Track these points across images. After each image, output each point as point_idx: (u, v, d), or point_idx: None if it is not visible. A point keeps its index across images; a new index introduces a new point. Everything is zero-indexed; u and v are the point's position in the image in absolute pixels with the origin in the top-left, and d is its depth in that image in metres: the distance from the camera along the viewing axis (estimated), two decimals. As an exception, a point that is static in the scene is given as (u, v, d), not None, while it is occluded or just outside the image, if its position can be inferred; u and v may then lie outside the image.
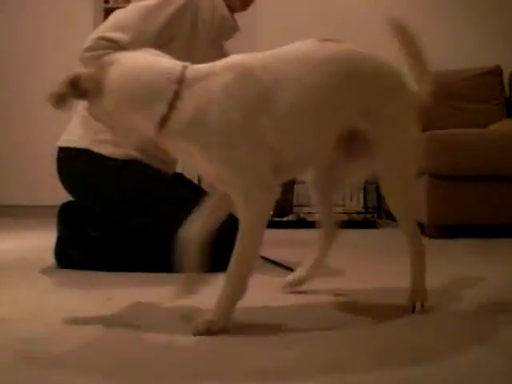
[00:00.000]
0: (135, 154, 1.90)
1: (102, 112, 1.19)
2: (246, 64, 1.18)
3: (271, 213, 1.27)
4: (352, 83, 1.25)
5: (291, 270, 1.74)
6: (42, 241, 2.55)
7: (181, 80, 1.14)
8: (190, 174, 3.78)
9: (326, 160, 1.39)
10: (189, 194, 1.97)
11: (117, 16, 1.87)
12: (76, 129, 1.93)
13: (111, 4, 3.77)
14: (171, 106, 1.13)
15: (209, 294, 1.58)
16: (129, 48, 1.79)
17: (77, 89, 1.15)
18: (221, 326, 1.16)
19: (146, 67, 1.17)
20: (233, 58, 1.21)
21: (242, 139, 1.14)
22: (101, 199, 1.92)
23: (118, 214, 1.92)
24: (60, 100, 1.17)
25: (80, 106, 1.94)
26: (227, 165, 1.16)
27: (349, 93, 1.25)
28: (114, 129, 1.31)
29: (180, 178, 2.14)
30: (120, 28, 1.81)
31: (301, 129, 1.22)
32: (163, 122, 1.14)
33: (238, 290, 1.21)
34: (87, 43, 1.80)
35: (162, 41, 1.85)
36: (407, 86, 1.34)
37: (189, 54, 1.84)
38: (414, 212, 1.43)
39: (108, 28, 1.82)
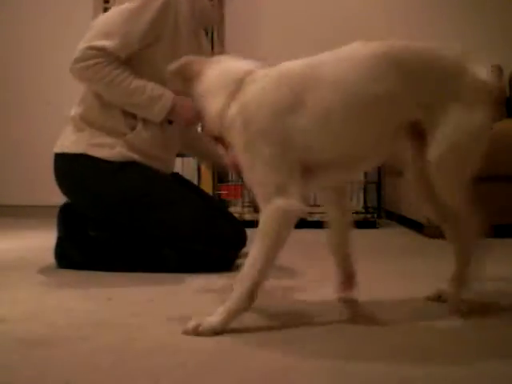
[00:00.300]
0: (133, 156, 1.89)
1: (194, 94, 1.35)
2: (286, 68, 1.26)
3: (292, 223, 1.23)
4: (399, 76, 1.20)
5: None
6: (42, 241, 2.55)
7: (240, 81, 1.25)
8: (190, 174, 3.77)
9: (374, 161, 1.37)
10: (187, 194, 1.98)
11: (100, 22, 1.87)
12: (71, 135, 1.93)
13: (111, 4, 3.76)
14: (227, 101, 1.24)
15: (209, 294, 1.59)
16: (117, 53, 1.81)
17: (187, 69, 1.36)
18: (220, 330, 1.16)
19: (225, 69, 1.32)
20: (283, 64, 1.28)
21: (266, 141, 1.19)
22: (99, 202, 1.91)
23: (117, 217, 1.91)
24: (175, 74, 1.39)
25: (73, 112, 1.95)
26: (248, 165, 1.23)
27: (396, 87, 1.20)
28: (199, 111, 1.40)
29: (178, 178, 2.14)
30: (106, 35, 1.81)
31: (339, 127, 1.21)
32: (222, 112, 1.25)
33: (245, 297, 1.18)
34: (76, 54, 1.82)
35: (148, 41, 1.87)
36: (470, 74, 1.24)
37: (173, 51, 1.85)
38: (468, 209, 1.30)
39: (94, 36, 1.82)
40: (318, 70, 1.23)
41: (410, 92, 1.21)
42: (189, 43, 1.95)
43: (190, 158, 3.80)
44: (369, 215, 3.33)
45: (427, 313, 1.36)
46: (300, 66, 1.26)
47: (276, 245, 1.21)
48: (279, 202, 1.18)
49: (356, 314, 1.35)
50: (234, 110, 1.23)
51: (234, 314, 1.18)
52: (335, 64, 1.24)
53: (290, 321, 1.29)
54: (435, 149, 1.21)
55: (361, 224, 3.25)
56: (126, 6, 1.84)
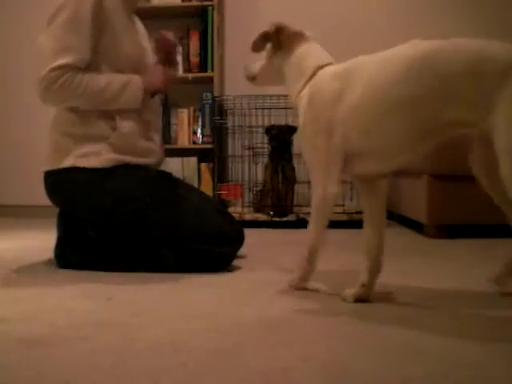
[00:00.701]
0: (121, 158, 1.89)
1: (273, 64, 1.61)
2: (343, 65, 1.45)
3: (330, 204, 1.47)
4: (433, 79, 1.22)
5: None
6: (42, 241, 2.55)
7: (314, 73, 1.50)
8: (190, 174, 3.78)
9: (408, 157, 1.37)
10: (182, 193, 1.97)
11: (49, 44, 1.85)
12: (56, 152, 1.92)
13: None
14: (302, 87, 1.51)
15: (209, 294, 1.59)
16: (79, 64, 1.82)
17: (279, 35, 1.57)
18: (300, 286, 1.54)
19: (307, 57, 1.55)
20: (346, 61, 1.45)
21: (316, 130, 1.43)
22: (94, 210, 1.91)
23: (114, 221, 1.91)
24: (264, 39, 1.59)
25: (53, 136, 1.95)
26: (305, 148, 1.50)
27: (428, 89, 1.23)
28: (270, 84, 1.74)
29: (173, 178, 2.14)
30: (61, 52, 1.82)
31: (368, 122, 1.34)
32: (298, 93, 1.52)
33: (307, 262, 1.52)
34: (43, 83, 1.81)
35: (95, 41, 1.87)
36: None
37: (118, 41, 1.89)
38: None
39: (52, 58, 1.82)
40: (361, 67, 1.38)
41: (446, 93, 1.22)
42: (128, 30, 1.97)
43: (190, 158, 3.81)
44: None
45: (427, 313, 1.36)
46: (352, 62, 1.42)
47: (321, 219, 1.48)
48: (321, 192, 1.44)
49: (355, 314, 1.35)
50: (304, 93, 1.49)
51: (303, 276, 1.53)
52: (376, 63, 1.35)
53: (289, 321, 1.29)
54: (502, 138, 1.16)
55: (361, 224, 3.25)
56: (59, 19, 1.84)
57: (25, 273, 1.91)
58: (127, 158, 1.91)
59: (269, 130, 3.48)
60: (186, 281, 1.72)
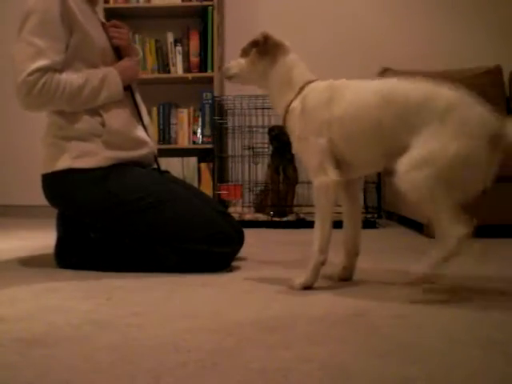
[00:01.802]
0: (116, 155, 1.89)
1: (257, 70, 1.72)
2: (331, 82, 1.63)
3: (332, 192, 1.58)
4: (387, 111, 1.50)
5: None
6: (42, 241, 2.56)
7: (302, 87, 1.65)
8: (190, 174, 3.78)
9: (378, 167, 1.71)
10: (180, 192, 1.96)
11: (22, 49, 1.85)
12: (53, 155, 1.92)
13: (111, 4, 3.76)
14: (292, 99, 1.65)
15: (209, 294, 1.59)
16: (55, 66, 1.82)
17: (265, 43, 1.69)
18: (310, 284, 1.58)
19: (299, 69, 1.70)
20: (332, 80, 1.65)
21: (310, 131, 1.59)
22: (93, 211, 1.92)
23: (113, 223, 1.91)
24: (253, 46, 1.72)
25: (47, 140, 1.95)
26: (301, 149, 1.65)
27: (394, 115, 1.48)
28: (247, 83, 1.81)
29: (172, 178, 2.13)
30: (36, 56, 1.81)
31: (350, 132, 1.55)
32: (287, 106, 1.66)
33: (319, 253, 1.57)
34: (23, 90, 1.82)
35: (67, 40, 1.87)
36: (460, 111, 1.42)
37: (87, 37, 1.89)
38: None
39: (26, 64, 1.81)
40: (346, 87, 1.60)
41: (404, 121, 1.46)
42: (94, 23, 1.97)
43: (190, 158, 3.81)
44: (369, 215, 3.33)
45: (428, 313, 1.36)
46: (338, 81, 1.62)
47: (325, 209, 1.57)
48: (320, 179, 1.57)
49: (355, 314, 1.35)
50: (295, 105, 1.64)
51: (315, 268, 1.57)
52: (358, 87, 1.59)
53: (289, 321, 1.29)
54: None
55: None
56: (29, 24, 1.84)
57: (25, 273, 1.91)
58: (123, 154, 1.91)
59: (270, 131, 3.48)
60: (186, 281, 1.72)
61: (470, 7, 3.80)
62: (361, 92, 1.57)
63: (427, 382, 0.92)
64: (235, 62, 1.78)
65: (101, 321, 1.28)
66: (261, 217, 3.39)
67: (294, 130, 1.64)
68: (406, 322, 1.27)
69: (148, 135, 2.06)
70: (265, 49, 1.70)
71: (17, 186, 4.08)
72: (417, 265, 1.44)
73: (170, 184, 2.00)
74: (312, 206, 3.40)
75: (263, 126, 3.60)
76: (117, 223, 1.91)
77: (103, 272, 1.84)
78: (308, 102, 1.61)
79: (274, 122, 3.61)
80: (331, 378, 0.94)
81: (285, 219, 3.37)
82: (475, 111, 1.42)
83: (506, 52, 3.71)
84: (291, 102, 1.65)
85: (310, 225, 3.55)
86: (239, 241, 1.99)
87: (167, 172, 2.18)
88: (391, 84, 1.56)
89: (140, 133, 2.01)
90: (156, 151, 2.11)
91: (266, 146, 3.59)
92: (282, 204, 3.44)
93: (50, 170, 1.92)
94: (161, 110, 3.82)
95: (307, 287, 1.57)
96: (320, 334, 1.19)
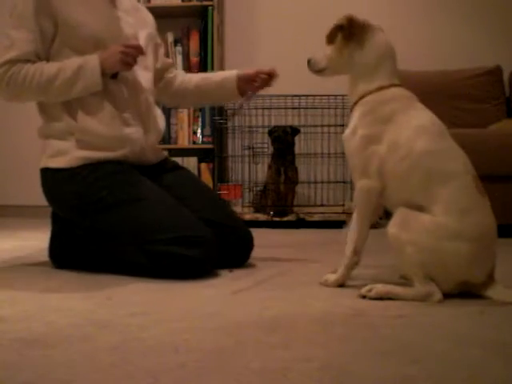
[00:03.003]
0: (90, 155, 1.85)
1: (344, 57, 1.62)
2: (403, 94, 1.60)
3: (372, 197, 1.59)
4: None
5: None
6: (41, 241, 2.55)
7: (388, 86, 1.59)
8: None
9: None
10: (154, 190, 1.86)
11: (0, 45, 1.85)
12: (40, 153, 1.94)
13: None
14: (371, 93, 1.59)
15: (209, 294, 1.59)
16: (24, 57, 1.80)
17: (350, 26, 1.60)
18: (342, 282, 1.62)
19: (389, 62, 1.62)
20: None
21: (373, 135, 1.55)
22: (64, 209, 1.93)
23: (82, 220, 1.89)
24: (337, 31, 1.62)
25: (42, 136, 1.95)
26: (350, 151, 1.61)
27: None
28: (336, 74, 1.70)
29: (137, 174, 1.97)
30: (6, 49, 1.81)
31: (399, 163, 1.52)
32: (360, 97, 1.60)
33: (353, 254, 1.61)
34: None
35: (50, 31, 1.84)
36: None
37: (76, 25, 1.84)
38: None
39: (0, 56, 1.81)
40: (411, 111, 1.56)
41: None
42: (95, 9, 1.90)
43: (191, 158, 3.81)
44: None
45: (428, 312, 1.36)
46: (407, 100, 1.59)
47: (364, 212, 1.60)
48: (363, 182, 1.57)
49: (355, 313, 1.35)
50: (369, 99, 1.58)
51: (349, 268, 1.62)
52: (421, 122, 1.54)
53: (289, 321, 1.29)
54: None
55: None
56: (11, 18, 1.84)
57: (24, 273, 1.91)
58: (96, 154, 1.85)
59: (271, 132, 3.48)
60: (186, 281, 1.71)
61: (470, 7, 3.80)
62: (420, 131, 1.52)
63: (427, 382, 0.92)
64: (320, 54, 1.68)
65: (101, 321, 1.28)
66: (261, 217, 3.39)
67: (357, 123, 1.58)
68: (406, 321, 1.27)
69: (145, 128, 1.96)
70: (350, 32, 1.60)
71: (16, 186, 4.08)
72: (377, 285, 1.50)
73: (142, 181, 1.88)
74: (312, 206, 3.40)
75: (263, 126, 3.60)
76: (84, 222, 1.89)
77: (103, 272, 1.83)
78: (375, 108, 1.56)
79: (274, 122, 3.61)
80: (331, 378, 0.94)
81: (285, 219, 3.37)
82: None
83: (506, 52, 3.71)
84: (366, 94, 1.59)
85: (310, 225, 3.55)
86: (246, 246, 1.97)
87: (177, 168, 2.12)
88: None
89: (124, 130, 1.89)
90: (155, 143, 2.04)
91: (266, 146, 3.59)
92: (282, 204, 3.44)
93: (40, 167, 1.95)
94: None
95: (340, 285, 1.62)
96: (320, 333, 1.19)
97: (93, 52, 1.83)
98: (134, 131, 1.93)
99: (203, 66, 3.76)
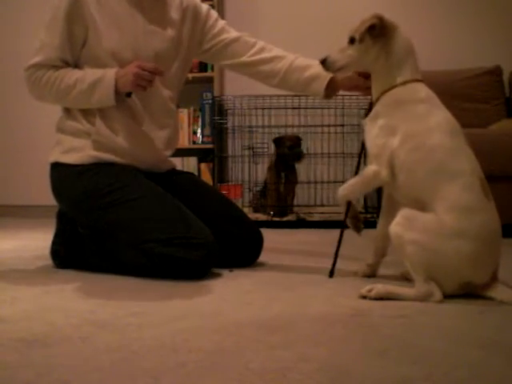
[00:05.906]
0: (103, 156, 1.87)
1: (370, 56, 1.63)
2: (427, 94, 1.61)
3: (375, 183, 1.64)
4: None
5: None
6: (41, 241, 2.55)
7: (412, 81, 1.62)
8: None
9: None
10: (156, 192, 1.86)
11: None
12: (53, 146, 1.97)
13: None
14: (395, 87, 1.61)
15: (209, 294, 1.59)
16: (50, 62, 1.84)
17: (382, 26, 1.63)
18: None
19: (411, 58, 1.64)
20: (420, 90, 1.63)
21: (390, 127, 1.58)
22: (69, 205, 1.94)
23: (84, 217, 1.91)
24: (364, 33, 1.62)
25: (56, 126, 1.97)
26: (370, 135, 1.63)
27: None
28: (353, 70, 1.80)
29: (141, 177, 1.98)
30: (36, 52, 1.87)
31: (412, 161, 1.55)
32: (383, 92, 1.63)
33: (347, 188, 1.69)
34: (24, 80, 1.88)
35: (80, 37, 1.86)
36: None
37: (97, 37, 1.85)
38: None
39: (31, 59, 1.88)
40: (431, 112, 1.57)
41: None
42: (122, 22, 1.88)
43: (191, 158, 3.81)
44: (369, 215, 3.33)
45: (428, 312, 1.36)
46: (427, 99, 1.60)
47: (361, 185, 1.67)
48: (372, 167, 1.60)
49: (355, 313, 1.35)
50: (393, 92, 1.61)
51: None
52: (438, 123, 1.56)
53: (289, 321, 1.29)
54: None
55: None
56: (46, 19, 1.88)
57: (25, 273, 1.91)
58: (110, 157, 1.89)
59: (279, 143, 3.44)
60: (186, 281, 1.71)
61: (471, 7, 3.80)
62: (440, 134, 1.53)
63: (427, 382, 0.92)
64: (339, 53, 1.67)
65: (101, 321, 1.28)
66: (261, 217, 3.39)
67: (379, 111, 1.61)
68: (406, 321, 1.27)
69: (160, 143, 1.99)
70: (381, 32, 1.62)
71: (17, 186, 4.08)
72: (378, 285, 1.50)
73: (147, 182, 1.89)
74: (311, 206, 3.38)
75: (263, 126, 3.60)
76: (87, 219, 1.90)
77: (103, 272, 1.83)
78: (398, 103, 1.59)
79: (274, 122, 3.61)
80: (331, 378, 0.94)
81: (285, 219, 3.37)
82: None
83: (506, 52, 3.71)
84: (390, 88, 1.61)
85: (310, 225, 3.54)
86: (254, 248, 1.99)
87: (184, 172, 2.16)
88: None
89: (143, 145, 1.94)
90: (163, 159, 2.06)
91: (266, 146, 3.59)
92: (281, 204, 3.44)
93: (50, 161, 1.97)
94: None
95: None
96: (320, 334, 1.19)
97: (113, 64, 1.86)
98: (148, 148, 1.97)
99: (203, 66, 3.76)
